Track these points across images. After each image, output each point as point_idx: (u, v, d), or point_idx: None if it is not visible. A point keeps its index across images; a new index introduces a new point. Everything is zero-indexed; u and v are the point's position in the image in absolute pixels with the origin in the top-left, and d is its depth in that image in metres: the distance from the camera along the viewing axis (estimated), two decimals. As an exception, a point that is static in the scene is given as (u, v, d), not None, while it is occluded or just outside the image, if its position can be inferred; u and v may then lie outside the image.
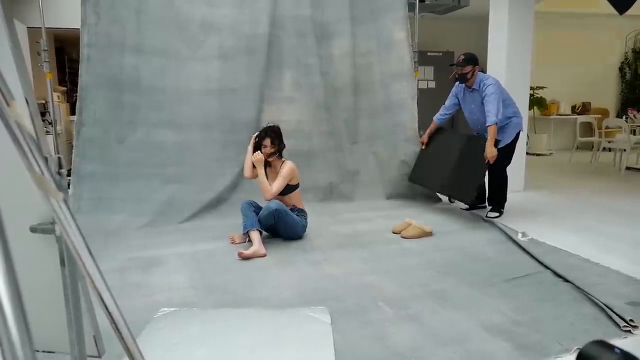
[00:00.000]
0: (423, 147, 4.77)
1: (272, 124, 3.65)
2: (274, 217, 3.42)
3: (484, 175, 4.19)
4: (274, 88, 4.84)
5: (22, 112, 0.61)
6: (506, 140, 4.21)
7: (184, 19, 4.55)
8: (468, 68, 4.12)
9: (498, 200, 4.37)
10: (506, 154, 4.25)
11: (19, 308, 0.49)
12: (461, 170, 4.22)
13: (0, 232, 0.51)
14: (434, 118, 4.65)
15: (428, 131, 4.72)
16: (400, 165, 5.01)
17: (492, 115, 3.93)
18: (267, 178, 3.54)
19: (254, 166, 3.58)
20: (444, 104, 4.57)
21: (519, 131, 4.30)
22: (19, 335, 0.49)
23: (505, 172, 4.35)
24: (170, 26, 4.51)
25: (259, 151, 3.52)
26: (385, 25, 5.12)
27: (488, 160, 3.93)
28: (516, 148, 4.42)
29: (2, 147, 1.01)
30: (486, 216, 4.25)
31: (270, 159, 3.58)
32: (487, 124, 3.95)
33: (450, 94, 4.50)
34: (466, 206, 4.58)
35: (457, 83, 4.38)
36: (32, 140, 0.61)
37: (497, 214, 4.29)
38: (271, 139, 3.53)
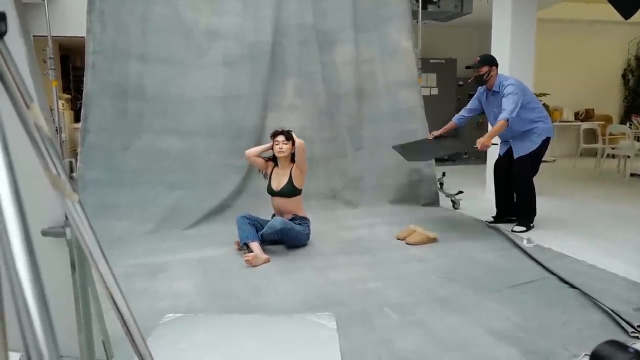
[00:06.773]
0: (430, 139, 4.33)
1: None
2: (278, 235, 3.42)
3: (524, 186, 4.02)
4: (277, 95, 4.86)
5: (39, 114, 0.61)
6: (531, 147, 3.92)
7: (189, 27, 4.59)
8: (484, 69, 3.90)
9: (526, 214, 4.05)
10: (531, 163, 3.98)
11: (45, 313, 0.50)
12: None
13: (27, 240, 0.51)
14: (454, 118, 4.32)
15: (448, 128, 4.28)
16: (411, 172, 5.01)
17: (506, 112, 3.65)
18: (271, 178, 3.67)
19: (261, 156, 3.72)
20: (466, 105, 4.33)
21: (548, 137, 3.94)
22: (45, 341, 0.49)
23: (532, 183, 4.01)
24: (175, 34, 4.54)
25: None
26: (388, 32, 5.14)
27: (477, 148, 3.68)
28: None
29: (14, 150, 1.02)
30: (512, 230, 3.94)
31: (282, 155, 3.60)
32: (499, 118, 3.71)
33: (474, 97, 4.27)
34: (492, 219, 4.32)
35: (479, 87, 4.14)
36: (49, 141, 0.62)
37: (523, 229, 3.97)
38: (285, 137, 3.60)
